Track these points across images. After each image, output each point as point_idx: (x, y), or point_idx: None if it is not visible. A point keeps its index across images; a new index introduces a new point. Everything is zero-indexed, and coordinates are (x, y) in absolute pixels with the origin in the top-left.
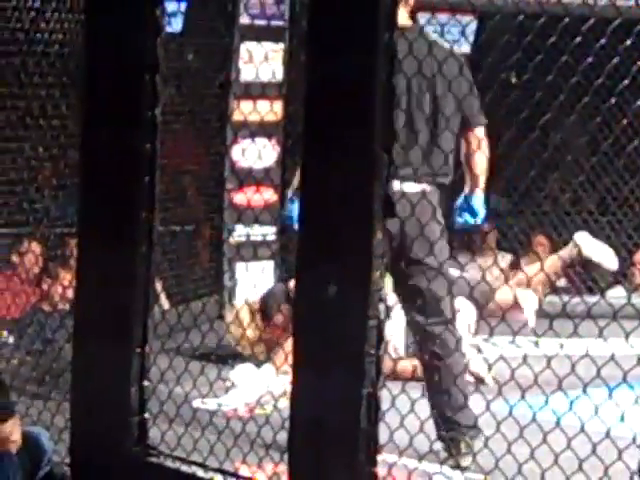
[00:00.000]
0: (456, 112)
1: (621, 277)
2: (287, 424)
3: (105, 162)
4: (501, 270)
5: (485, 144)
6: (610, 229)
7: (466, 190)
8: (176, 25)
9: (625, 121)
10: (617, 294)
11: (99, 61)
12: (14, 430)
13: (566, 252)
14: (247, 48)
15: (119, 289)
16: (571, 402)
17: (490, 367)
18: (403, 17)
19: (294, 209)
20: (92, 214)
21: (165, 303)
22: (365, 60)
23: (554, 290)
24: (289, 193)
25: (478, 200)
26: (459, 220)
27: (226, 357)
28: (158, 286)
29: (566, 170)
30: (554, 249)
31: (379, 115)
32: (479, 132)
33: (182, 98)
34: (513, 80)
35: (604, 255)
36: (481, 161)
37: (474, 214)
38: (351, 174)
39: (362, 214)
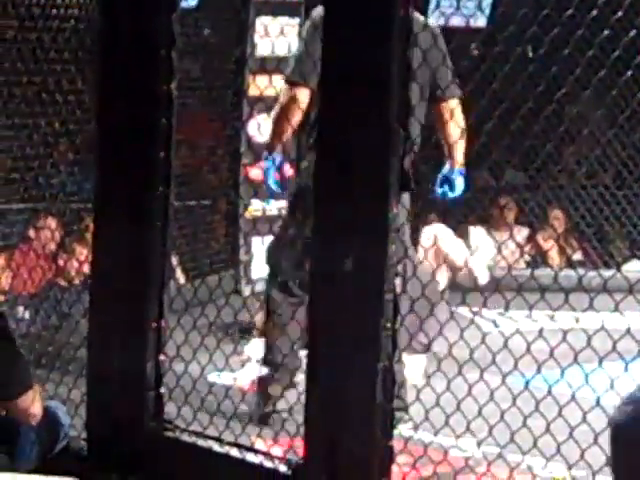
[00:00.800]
0: (429, 83)
1: (637, 250)
2: (303, 398)
3: (121, 137)
4: (517, 245)
5: (459, 115)
6: (627, 202)
7: (446, 163)
8: (192, 0)
9: None
10: (633, 268)
11: (115, 37)
12: (33, 403)
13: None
14: (263, 23)
15: (135, 264)
16: (587, 375)
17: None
18: None
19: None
20: (108, 189)
21: (181, 277)
22: (381, 35)
23: (570, 264)
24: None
25: (456, 173)
26: (438, 192)
27: (242, 331)
28: (174, 261)
29: (582, 144)
30: (570, 223)
31: (395, 90)
32: (452, 103)
33: (199, 73)
34: (530, 54)
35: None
36: (455, 132)
37: (452, 187)
38: (367, 149)
39: (379, 188)
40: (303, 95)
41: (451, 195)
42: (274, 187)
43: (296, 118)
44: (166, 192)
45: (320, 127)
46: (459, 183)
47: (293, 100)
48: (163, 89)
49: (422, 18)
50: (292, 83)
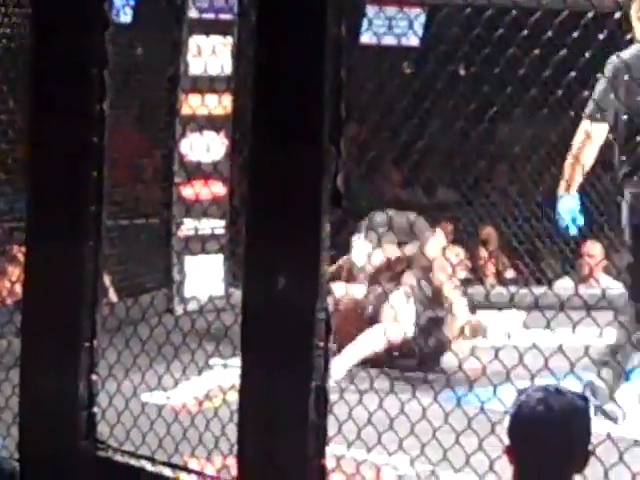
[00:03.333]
0: None
1: (569, 268)
2: (236, 417)
3: (53, 156)
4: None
5: None
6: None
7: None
8: (125, 18)
9: (572, 113)
10: (565, 285)
11: (47, 55)
12: None
13: None
14: (196, 42)
15: (67, 283)
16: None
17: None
18: None
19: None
20: (40, 209)
21: (114, 297)
22: (313, 53)
23: (502, 281)
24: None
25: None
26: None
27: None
28: (107, 280)
29: (515, 162)
30: (502, 241)
31: (327, 109)
32: None
33: (131, 91)
34: (462, 72)
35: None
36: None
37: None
38: (300, 167)
39: (311, 207)
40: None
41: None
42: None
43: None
44: (98, 211)
45: (252, 145)
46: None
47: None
48: (95, 108)
49: None
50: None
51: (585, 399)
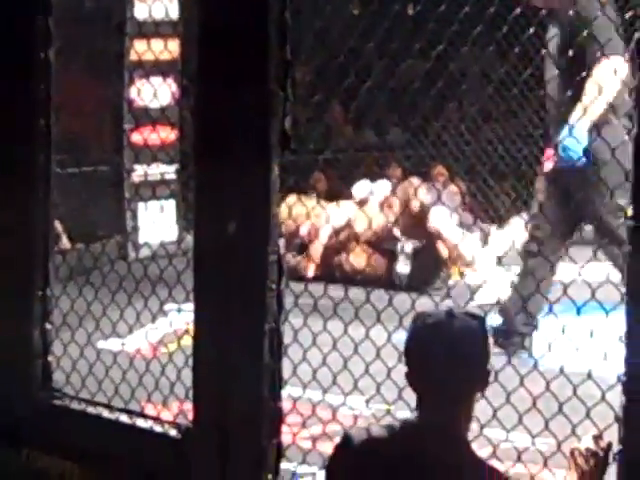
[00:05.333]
0: None
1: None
2: (191, 362)
3: None
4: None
5: None
6: (511, 158)
7: None
8: None
9: (517, 49)
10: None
11: None
12: None
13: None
14: None
15: (18, 233)
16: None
17: None
18: None
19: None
20: None
21: (67, 243)
22: None
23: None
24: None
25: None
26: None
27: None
28: (59, 227)
29: (464, 99)
30: (452, 179)
31: (273, 52)
32: None
33: (79, 38)
34: (410, 11)
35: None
36: None
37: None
38: (248, 111)
39: (260, 150)
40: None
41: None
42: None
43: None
44: (47, 159)
45: (199, 90)
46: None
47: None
48: (40, 56)
49: None
50: None
51: (481, 319)
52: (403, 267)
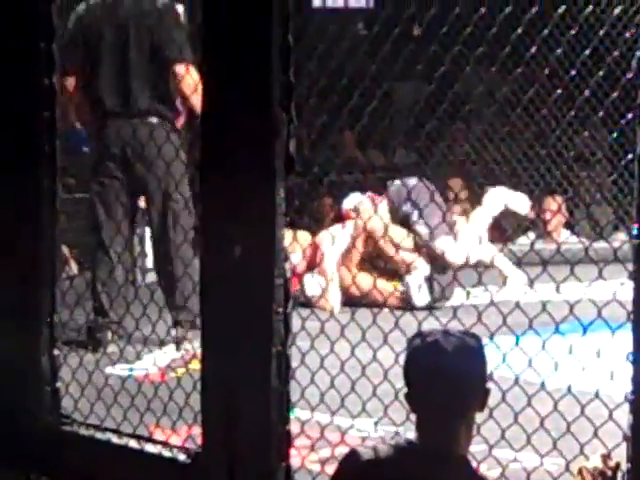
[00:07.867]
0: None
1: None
2: (199, 386)
3: (4, 129)
4: None
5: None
6: (515, 177)
7: None
8: None
9: (519, 70)
10: (523, 242)
11: None
12: None
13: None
14: None
15: (25, 259)
16: (504, 356)
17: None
18: None
19: None
20: None
21: (74, 268)
22: (260, 18)
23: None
24: None
25: None
26: None
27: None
28: (66, 252)
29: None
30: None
31: (276, 74)
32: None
33: None
34: (415, 32)
35: (520, 203)
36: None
37: None
38: (251, 134)
39: (265, 173)
40: None
41: None
42: None
43: None
44: (53, 184)
45: (203, 113)
46: None
47: None
48: (45, 82)
49: None
50: None
51: (477, 338)
52: (420, 299)
